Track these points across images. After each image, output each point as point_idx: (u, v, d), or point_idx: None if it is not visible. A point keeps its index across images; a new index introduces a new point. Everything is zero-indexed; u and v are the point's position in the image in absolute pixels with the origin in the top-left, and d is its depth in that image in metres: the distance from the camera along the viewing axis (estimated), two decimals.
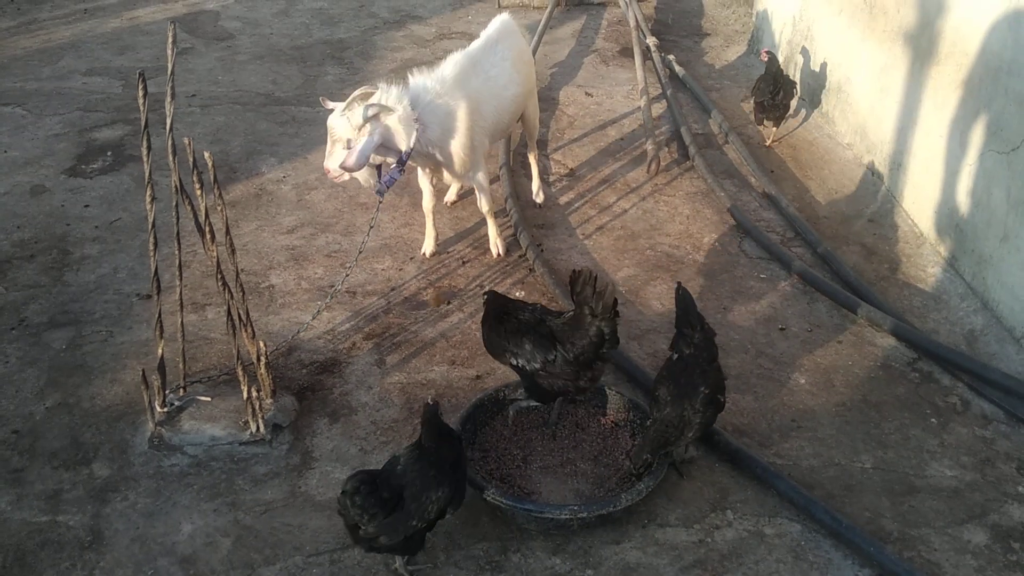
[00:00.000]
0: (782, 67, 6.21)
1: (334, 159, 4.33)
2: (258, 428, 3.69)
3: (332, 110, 4.36)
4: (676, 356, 3.54)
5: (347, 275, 4.68)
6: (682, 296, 3.61)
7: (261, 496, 3.51)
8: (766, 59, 6.13)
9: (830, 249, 5.03)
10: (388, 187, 4.48)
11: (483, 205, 4.97)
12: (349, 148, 4.27)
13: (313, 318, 4.41)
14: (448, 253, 5.12)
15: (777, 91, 6.06)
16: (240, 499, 3.49)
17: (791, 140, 6.46)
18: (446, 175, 4.83)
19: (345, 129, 4.26)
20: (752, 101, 6.31)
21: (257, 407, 3.67)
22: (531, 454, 3.65)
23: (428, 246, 5.08)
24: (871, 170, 5.82)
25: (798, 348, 4.39)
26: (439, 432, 3.14)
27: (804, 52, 6.86)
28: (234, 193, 5.63)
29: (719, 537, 3.37)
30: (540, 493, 3.47)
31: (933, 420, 3.95)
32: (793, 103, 6.35)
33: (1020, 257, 4.18)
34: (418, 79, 4.56)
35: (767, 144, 6.38)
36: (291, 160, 6.12)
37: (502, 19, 5.18)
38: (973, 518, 3.47)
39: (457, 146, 4.58)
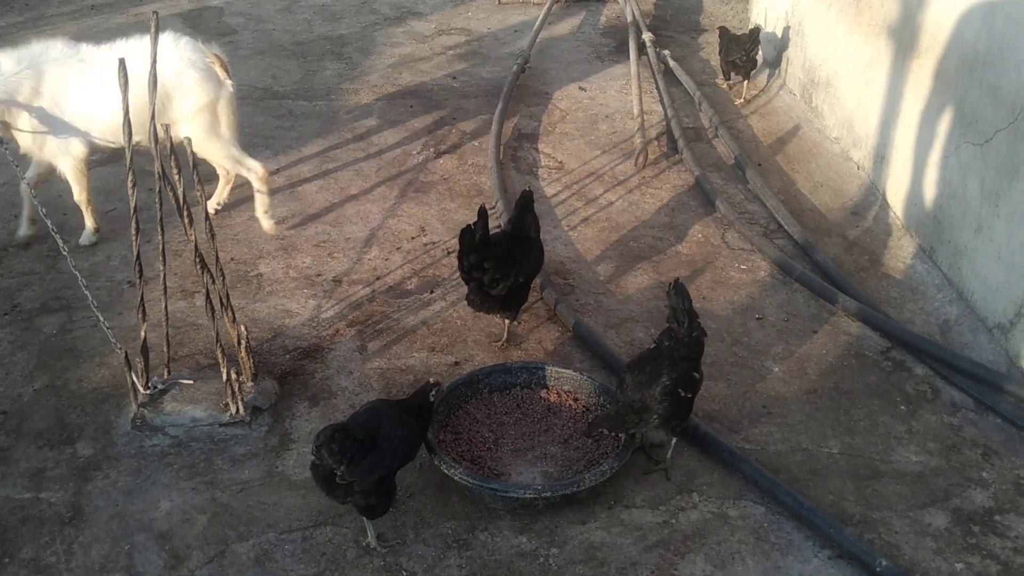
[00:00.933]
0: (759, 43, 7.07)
1: None
2: (238, 410, 3.79)
3: None
4: (654, 346, 3.60)
5: None
6: (676, 291, 3.60)
7: (238, 475, 3.61)
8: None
9: (811, 240, 5.08)
10: None
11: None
12: None
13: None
14: (434, 244, 5.21)
15: (752, 49, 6.87)
16: (218, 478, 3.59)
17: (781, 135, 6.51)
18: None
19: None
20: (722, 61, 7.13)
21: (237, 389, 3.76)
22: (502, 437, 3.73)
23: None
24: (856, 163, 5.86)
25: (774, 337, 4.45)
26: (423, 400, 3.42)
27: (796, 47, 6.91)
28: (205, 189, 5.72)
29: (683, 518, 3.44)
30: (509, 475, 3.55)
31: (903, 407, 4.00)
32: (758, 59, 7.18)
33: (993, 248, 4.23)
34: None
35: (740, 100, 7.10)
36: (285, 152, 6.23)
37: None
38: (935, 502, 3.52)
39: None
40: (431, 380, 3.44)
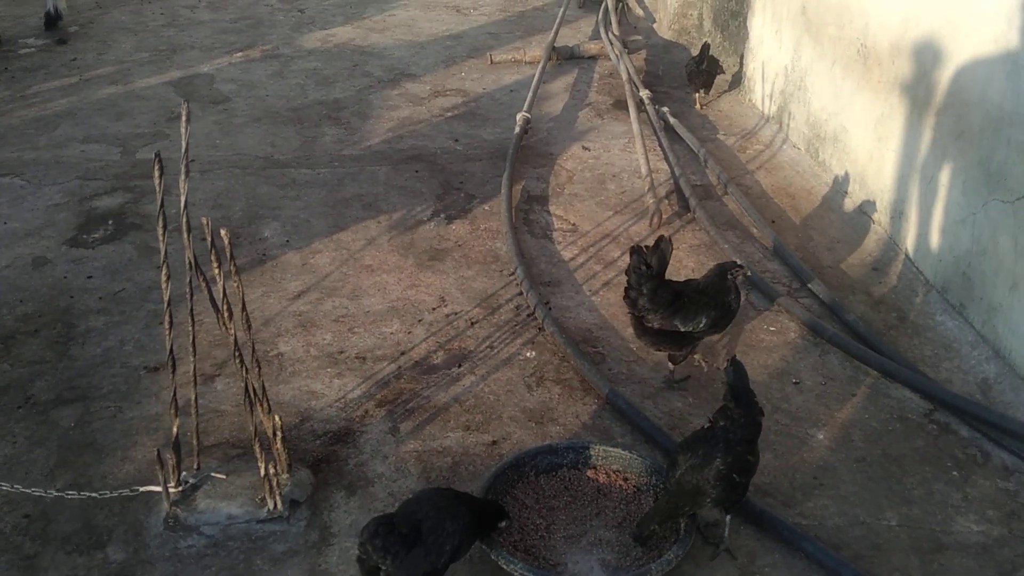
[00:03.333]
0: (717, 60, 8.01)
1: None
2: (276, 505, 3.63)
3: None
4: (708, 425, 3.50)
5: None
6: (734, 370, 3.53)
7: None
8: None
9: (837, 299, 5.04)
10: None
11: None
12: None
13: None
14: (456, 314, 5.10)
15: (702, 61, 7.79)
16: None
17: (790, 190, 6.51)
18: None
19: None
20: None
21: (274, 483, 3.61)
22: (553, 523, 3.60)
23: None
24: (872, 219, 5.86)
25: (813, 402, 4.38)
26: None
27: (798, 102, 6.95)
28: (238, 259, 5.53)
29: None
30: (565, 564, 3.42)
31: (955, 473, 3.93)
32: (717, 77, 8.01)
33: None
34: None
35: (698, 107, 8.10)
36: (293, 223, 6.12)
37: None
38: (1004, 575, 3.43)
39: None
40: (503, 510, 3.39)
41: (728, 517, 3.53)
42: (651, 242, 4.32)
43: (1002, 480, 3.89)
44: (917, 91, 5.21)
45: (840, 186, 6.31)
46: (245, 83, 8.93)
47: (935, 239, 5.06)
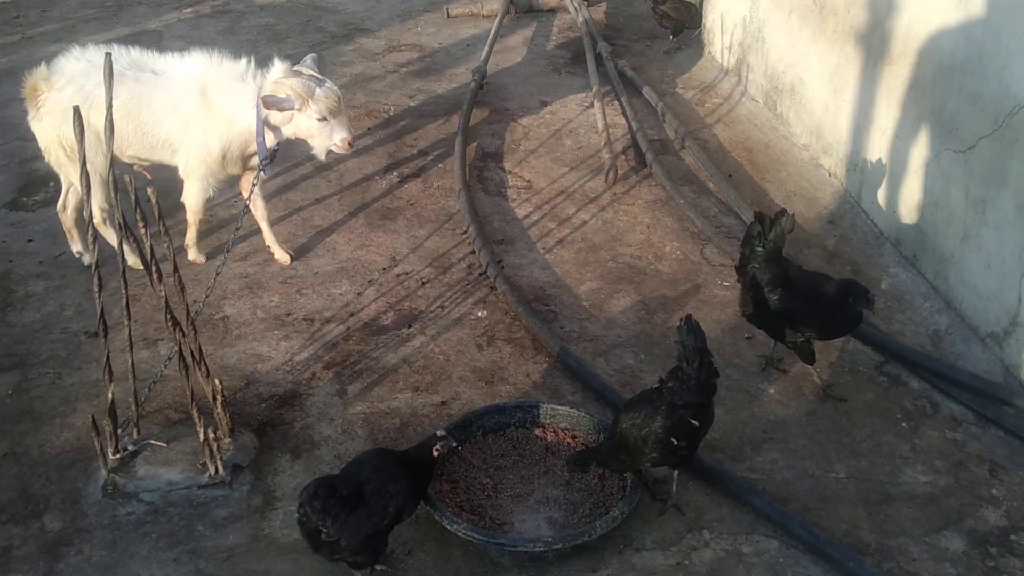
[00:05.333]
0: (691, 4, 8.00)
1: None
2: (217, 470, 3.56)
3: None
4: (657, 385, 3.45)
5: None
6: (688, 329, 3.40)
7: (223, 542, 3.37)
8: None
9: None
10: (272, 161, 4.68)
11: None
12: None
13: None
14: (407, 274, 5.01)
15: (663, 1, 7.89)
16: (201, 546, 3.35)
17: (748, 143, 6.45)
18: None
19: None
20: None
21: (215, 448, 3.53)
22: (501, 483, 3.56)
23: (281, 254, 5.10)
24: (828, 171, 5.82)
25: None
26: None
27: (756, 54, 6.86)
28: (184, 220, 5.45)
29: (697, 559, 3.31)
30: (512, 523, 3.38)
31: (904, 424, 3.93)
32: (685, 22, 7.96)
33: (982, 256, 4.18)
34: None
35: (665, 51, 8.11)
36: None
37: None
38: (949, 524, 3.44)
39: None
40: (438, 433, 3.25)
41: (676, 473, 3.50)
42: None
43: (950, 431, 3.89)
44: (872, 41, 5.14)
45: (797, 139, 6.26)
46: (194, 40, 8.63)
47: (889, 191, 5.03)
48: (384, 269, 5.07)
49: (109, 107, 3.21)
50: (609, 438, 3.43)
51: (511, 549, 3.17)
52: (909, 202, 4.82)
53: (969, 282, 4.29)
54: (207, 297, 4.42)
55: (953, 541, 3.37)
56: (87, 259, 5.01)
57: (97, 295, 3.35)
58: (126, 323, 3.61)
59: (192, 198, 4.88)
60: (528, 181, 6.01)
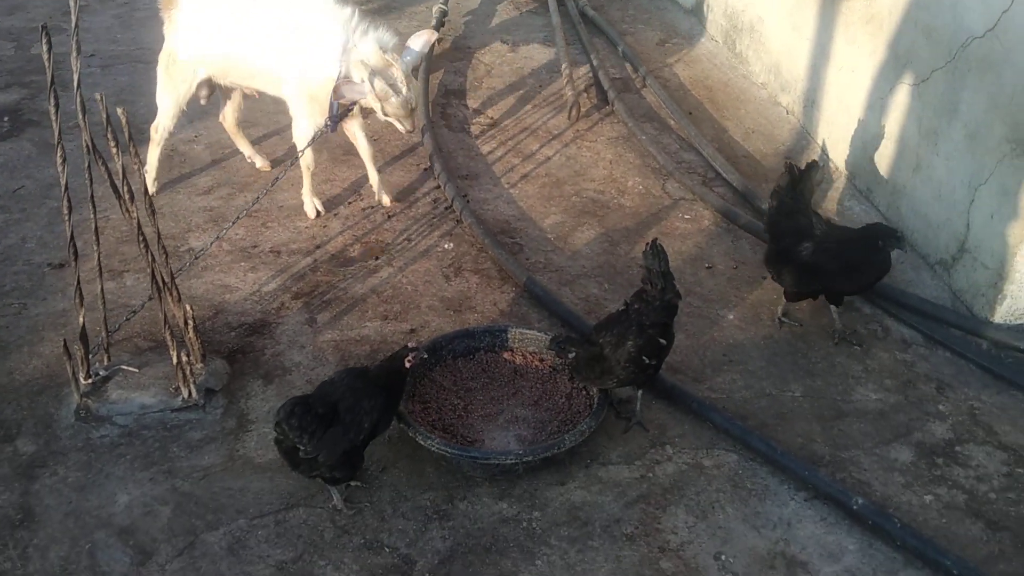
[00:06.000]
0: None
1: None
2: (190, 393, 3.60)
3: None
4: (623, 308, 3.54)
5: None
6: (653, 252, 3.50)
7: (198, 462, 3.43)
8: None
9: (751, 187, 5.12)
10: (338, 123, 4.54)
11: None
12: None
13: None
14: (373, 208, 5.04)
15: None
16: (176, 466, 3.41)
17: (707, 82, 6.52)
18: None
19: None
20: None
21: (188, 372, 3.57)
22: (471, 403, 3.65)
23: (385, 196, 5.04)
24: (786, 108, 5.93)
25: (725, 285, 4.48)
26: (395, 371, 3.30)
27: None
28: (143, 155, 5.40)
29: (660, 472, 3.44)
30: (483, 441, 3.48)
31: (856, 347, 4.09)
32: None
33: (933, 186, 4.33)
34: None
35: None
36: (203, 119, 5.88)
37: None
38: (898, 437, 3.62)
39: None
40: (409, 344, 3.32)
41: (640, 393, 3.63)
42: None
43: (900, 352, 4.07)
44: None
45: (756, 77, 6.35)
46: None
47: (845, 126, 5.15)
48: (349, 202, 5.09)
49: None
50: (589, 346, 3.49)
51: (483, 462, 3.27)
52: (864, 136, 4.95)
53: (920, 212, 4.45)
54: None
55: (902, 453, 3.54)
56: (259, 162, 5.32)
57: (67, 218, 3.34)
58: (96, 249, 3.61)
59: (296, 134, 4.79)
60: (491, 118, 6.03)
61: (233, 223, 4.50)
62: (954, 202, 4.19)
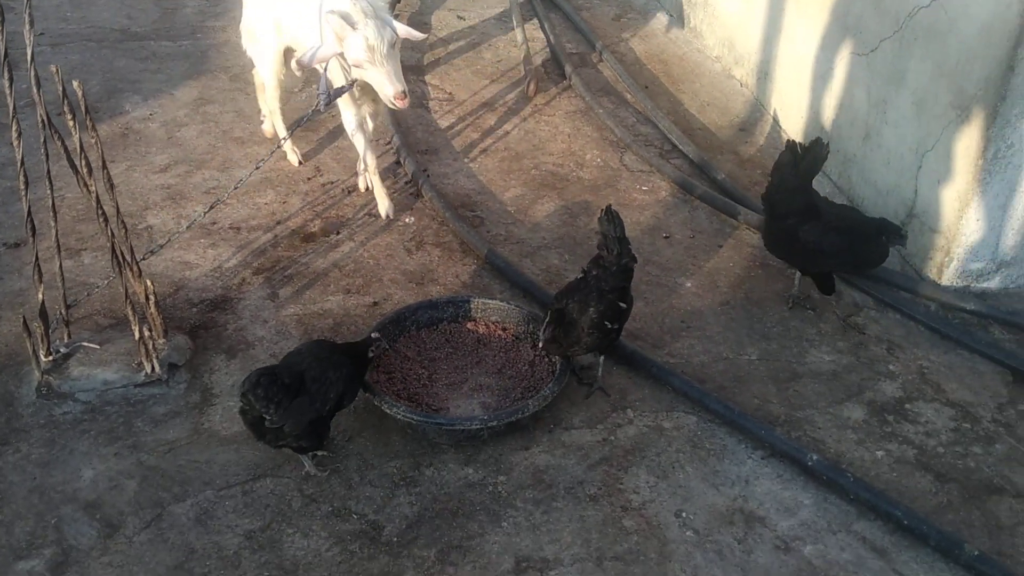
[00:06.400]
0: None
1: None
2: (153, 368, 3.59)
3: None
4: (581, 275, 3.60)
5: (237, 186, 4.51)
6: (608, 218, 3.54)
7: (163, 436, 3.44)
8: None
9: (706, 159, 5.20)
10: (335, 99, 4.26)
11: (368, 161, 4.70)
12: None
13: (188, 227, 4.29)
14: (332, 183, 5.04)
15: None
16: (141, 440, 3.41)
17: (663, 56, 6.59)
18: (378, 109, 4.60)
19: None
20: None
21: (150, 347, 3.56)
22: (435, 373, 3.69)
23: (388, 204, 4.75)
24: (740, 81, 6.02)
25: (682, 254, 4.57)
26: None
27: None
28: (98, 133, 5.34)
29: (621, 434, 3.52)
30: (448, 409, 3.53)
31: (810, 311, 4.20)
32: None
33: (882, 154, 4.44)
34: None
35: None
36: (156, 97, 5.84)
37: None
38: (851, 397, 3.73)
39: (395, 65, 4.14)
40: (373, 335, 3.37)
41: (601, 359, 3.70)
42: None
43: (852, 315, 4.18)
44: None
45: (710, 51, 6.43)
46: None
47: (796, 97, 5.25)
48: (308, 179, 5.08)
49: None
50: (561, 318, 3.49)
51: (449, 429, 3.32)
52: (815, 107, 5.05)
53: (870, 179, 4.56)
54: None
55: (854, 411, 3.66)
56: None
57: (24, 194, 3.31)
58: (53, 227, 3.57)
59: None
60: (449, 93, 6.04)
61: (213, 204, 4.47)
62: (902, 169, 4.30)
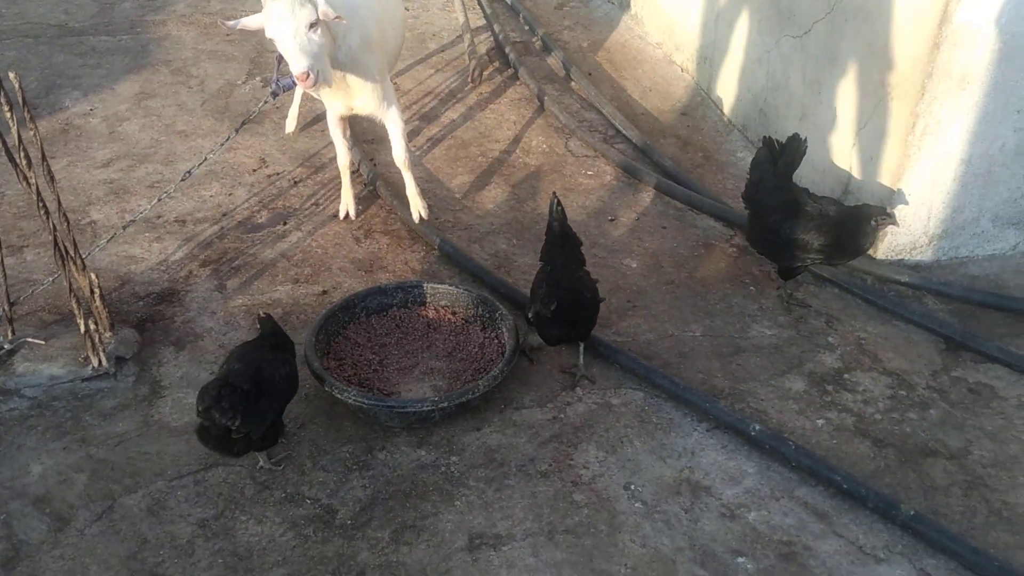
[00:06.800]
0: None
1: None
2: (100, 362, 3.57)
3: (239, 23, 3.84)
4: (550, 267, 3.65)
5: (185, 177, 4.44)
6: (554, 206, 3.66)
7: (112, 429, 3.42)
8: None
9: (649, 143, 5.29)
10: (285, 91, 4.06)
11: (399, 153, 4.47)
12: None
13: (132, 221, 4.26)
14: (279, 175, 5.03)
15: None
16: (90, 434, 3.39)
17: (606, 44, 6.67)
18: (356, 105, 4.33)
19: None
20: None
21: (96, 341, 3.54)
22: (386, 358, 3.72)
23: (350, 206, 4.69)
24: (680, 66, 6.12)
25: (628, 236, 4.65)
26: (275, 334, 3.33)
27: None
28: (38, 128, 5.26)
29: (571, 412, 3.58)
30: (399, 393, 3.57)
31: (751, 288, 4.30)
32: None
33: (818, 132, 4.56)
34: None
35: None
36: (97, 92, 5.77)
37: None
38: (792, 369, 3.84)
39: (372, 64, 4.11)
40: (261, 314, 3.37)
41: (582, 347, 3.74)
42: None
43: (792, 290, 4.29)
44: None
45: (651, 37, 6.52)
46: None
47: (735, 81, 5.36)
48: (254, 170, 5.07)
49: None
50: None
51: (400, 411, 3.35)
52: (753, 89, 5.16)
53: (807, 158, 4.66)
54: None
55: (795, 382, 3.77)
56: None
57: None
58: None
59: None
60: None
61: (159, 197, 4.44)
62: (837, 147, 4.43)
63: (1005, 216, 4.27)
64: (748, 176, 4.06)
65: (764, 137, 4.06)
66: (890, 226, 3.88)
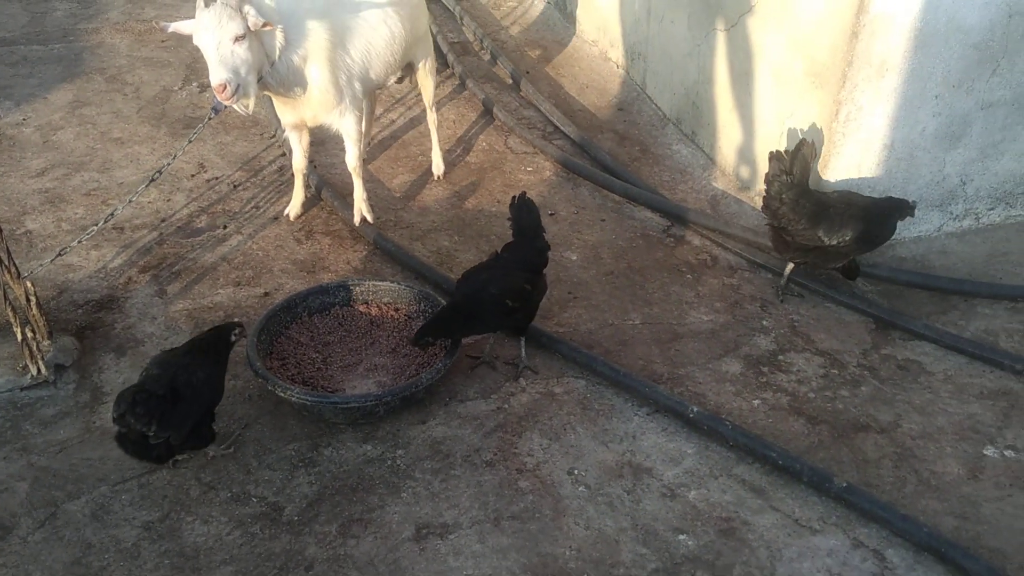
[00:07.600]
0: None
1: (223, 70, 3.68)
2: (39, 370, 3.54)
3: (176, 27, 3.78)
4: (494, 257, 3.71)
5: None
6: (518, 206, 3.73)
7: (53, 437, 3.40)
8: None
9: (587, 137, 5.38)
10: (225, 107, 3.98)
11: (350, 159, 4.49)
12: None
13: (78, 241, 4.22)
14: (218, 179, 5.01)
15: None
16: (30, 443, 3.36)
17: (542, 42, 6.75)
18: (306, 116, 4.30)
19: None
20: None
21: (35, 349, 3.51)
22: (330, 356, 3.74)
23: (295, 207, 4.72)
24: (615, 63, 6.22)
25: (568, 229, 4.72)
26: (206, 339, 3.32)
27: None
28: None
29: (515, 402, 3.64)
30: (344, 390, 3.59)
31: (688, 276, 4.41)
32: None
33: (747, 123, 4.69)
34: None
35: None
36: (29, 102, 5.69)
37: None
38: (728, 352, 3.94)
39: (320, 78, 4.09)
40: (236, 321, 3.39)
41: (522, 340, 3.79)
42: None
43: (727, 277, 4.41)
44: None
45: (587, 36, 6.62)
46: None
47: (668, 75, 5.48)
48: (192, 175, 5.04)
49: None
50: (445, 308, 3.62)
51: (344, 407, 3.38)
52: (686, 83, 5.28)
53: (739, 148, 4.81)
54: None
55: (732, 365, 3.87)
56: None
57: None
58: None
59: None
60: None
61: (139, 191, 4.39)
62: (767, 136, 4.55)
63: (928, 199, 4.43)
64: (766, 192, 4.06)
65: (770, 152, 4.04)
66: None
